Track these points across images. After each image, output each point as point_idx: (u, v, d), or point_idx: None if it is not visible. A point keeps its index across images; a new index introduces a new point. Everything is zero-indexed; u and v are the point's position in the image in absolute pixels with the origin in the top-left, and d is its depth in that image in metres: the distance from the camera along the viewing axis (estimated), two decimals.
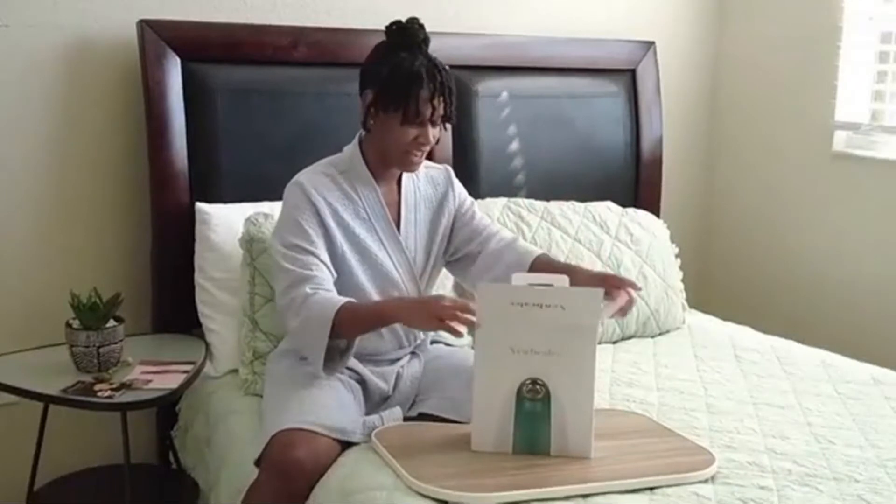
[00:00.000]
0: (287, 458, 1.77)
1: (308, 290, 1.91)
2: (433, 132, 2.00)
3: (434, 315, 1.77)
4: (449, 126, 2.09)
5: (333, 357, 1.93)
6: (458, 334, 1.75)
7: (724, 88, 3.43)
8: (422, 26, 2.02)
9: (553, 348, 1.75)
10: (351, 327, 1.90)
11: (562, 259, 2.63)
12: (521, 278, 1.81)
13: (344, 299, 1.91)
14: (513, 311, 1.73)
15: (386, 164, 2.07)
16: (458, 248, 2.19)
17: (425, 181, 2.18)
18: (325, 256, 1.99)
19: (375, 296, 2.04)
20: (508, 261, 2.12)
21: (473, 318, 1.75)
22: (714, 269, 3.50)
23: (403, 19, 2.02)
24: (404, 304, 1.92)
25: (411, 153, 2.01)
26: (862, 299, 2.99)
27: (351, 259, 2.03)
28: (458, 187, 2.23)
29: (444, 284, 2.40)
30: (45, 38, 2.38)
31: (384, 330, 2.05)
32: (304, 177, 2.05)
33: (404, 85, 1.95)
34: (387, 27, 2.03)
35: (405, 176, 2.14)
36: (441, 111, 2.00)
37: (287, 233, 1.99)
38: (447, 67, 2.02)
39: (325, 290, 1.93)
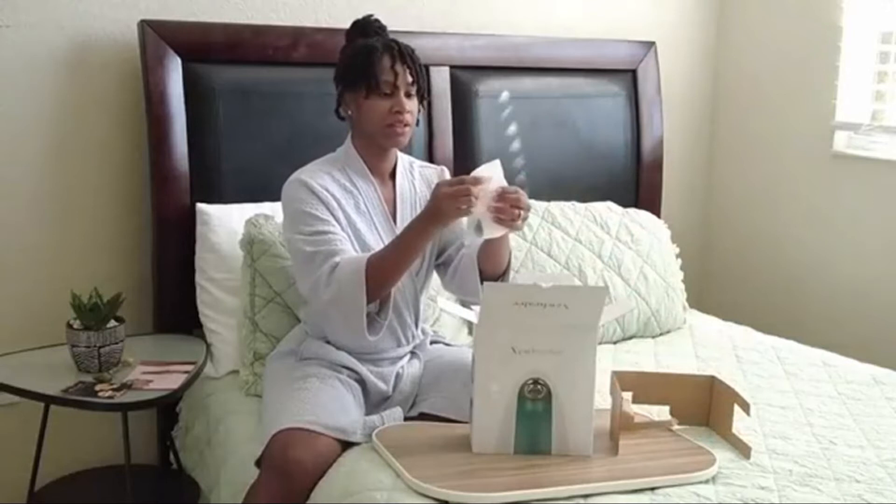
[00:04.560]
0: (287, 457, 1.77)
1: (335, 260, 1.93)
2: (407, 102, 2.01)
3: (452, 210, 1.84)
4: (426, 104, 2.12)
5: (372, 321, 1.97)
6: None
7: (724, 88, 3.43)
8: (377, 21, 2.09)
9: (554, 347, 1.75)
10: (383, 273, 1.91)
11: (562, 260, 2.63)
12: (527, 277, 1.80)
13: (368, 254, 1.93)
14: (515, 311, 1.73)
15: (376, 149, 2.08)
16: (440, 252, 2.19)
17: (420, 180, 2.18)
18: (342, 232, 2.00)
19: None
20: (464, 264, 2.11)
21: (475, 190, 1.82)
22: (714, 269, 3.50)
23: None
24: (422, 219, 1.91)
25: (393, 126, 2.01)
26: (862, 299, 2.99)
27: (352, 252, 2.03)
28: None
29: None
30: (46, 39, 2.38)
31: (383, 329, 2.05)
32: (304, 174, 2.05)
33: (362, 59, 2.01)
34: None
35: (399, 173, 2.14)
36: (408, 78, 2.01)
37: (301, 224, 1.99)
38: (411, 47, 2.06)
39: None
